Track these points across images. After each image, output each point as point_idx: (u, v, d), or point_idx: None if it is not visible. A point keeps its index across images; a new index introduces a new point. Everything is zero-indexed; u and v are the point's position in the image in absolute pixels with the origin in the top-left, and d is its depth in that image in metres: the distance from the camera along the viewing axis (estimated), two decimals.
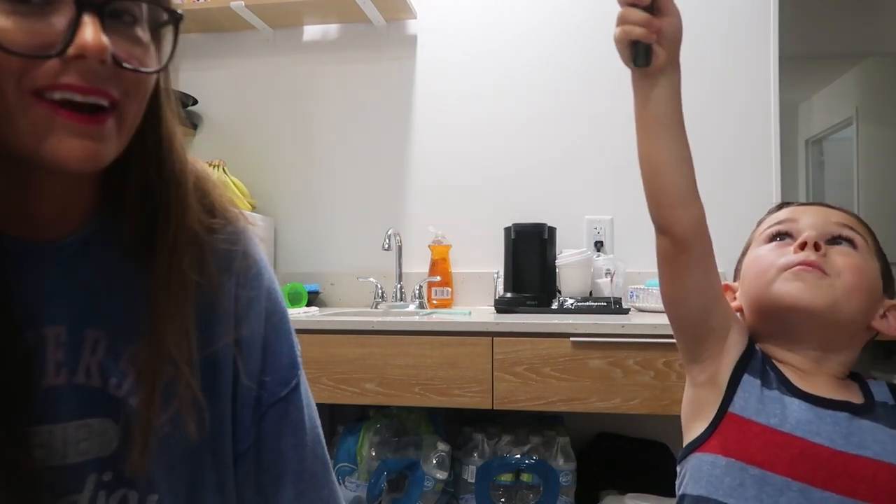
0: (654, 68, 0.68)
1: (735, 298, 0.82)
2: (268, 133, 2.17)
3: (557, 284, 1.85)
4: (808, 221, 0.76)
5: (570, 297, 1.73)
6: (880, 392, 0.73)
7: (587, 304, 1.67)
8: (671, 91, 0.70)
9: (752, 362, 0.73)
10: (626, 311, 1.60)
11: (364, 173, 2.12)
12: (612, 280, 1.79)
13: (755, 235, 0.83)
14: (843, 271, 0.72)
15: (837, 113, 4.41)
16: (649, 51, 0.68)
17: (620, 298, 1.68)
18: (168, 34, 0.53)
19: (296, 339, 0.67)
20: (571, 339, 1.39)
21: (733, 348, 0.74)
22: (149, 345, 0.53)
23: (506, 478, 1.55)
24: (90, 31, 0.44)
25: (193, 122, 2.18)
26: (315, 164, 2.15)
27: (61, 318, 0.52)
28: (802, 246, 0.73)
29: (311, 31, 2.17)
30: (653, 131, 0.70)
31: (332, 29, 2.16)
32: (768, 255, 0.76)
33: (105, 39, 0.45)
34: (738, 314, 0.79)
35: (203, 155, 2.09)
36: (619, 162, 1.97)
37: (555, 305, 1.74)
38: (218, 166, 2.02)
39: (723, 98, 1.92)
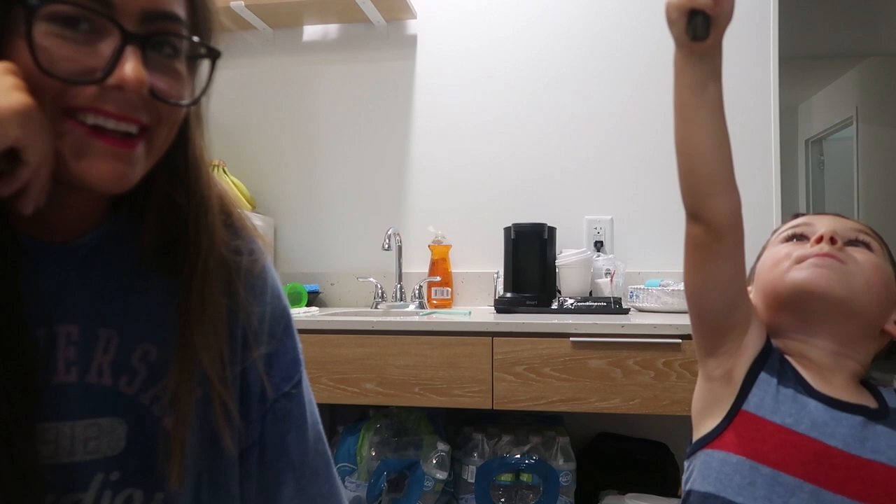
0: (707, 45, 0.66)
1: (750, 299, 0.82)
2: (268, 133, 2.17)
3: (557, 284, 1.85)
4: (824, 224, 0.76)
5: (570, 297, 1.73)
6: (893, 399, 0.73)
7: (587, 304, 1.67)
8: (717, 73, 0.68)
9: (770, 360, 0.73)
10: (626, 311, 1.60)
11: (364, 173, 2.12)
12: (612, 280, 1.79)
13: (771, 240, 0.83)
14: (860, 263, 0.72)
15: (837, 113, 4.41)
16: (709, 23, 0.65)
17: (620, 298, 1.68)
18: (198, 64, 0.55)
19: (297, 336, 0.68)
20: (571, 339, 1.39)
21: (751, 345, 0.73)
22: (184, 367, 0.55)
23: (506, 478, 1.55)
24: (131, 66, 0.47)
25: None
26: (315, 164, 2.15)
27: (74, 317, 0.53)
28: (819, 240, 0.73)
29: (311, 31, 2.17)
30: (695, 115, 0.69)
31: (332, 29, 2.16)
32: (784, 249, 0.77)
33: (145, 74, 0.47)
34: None
35: None
36: (620, 162, 1.97)
37: (555, 305, 1.74)
38: (218, 166, 2.02)
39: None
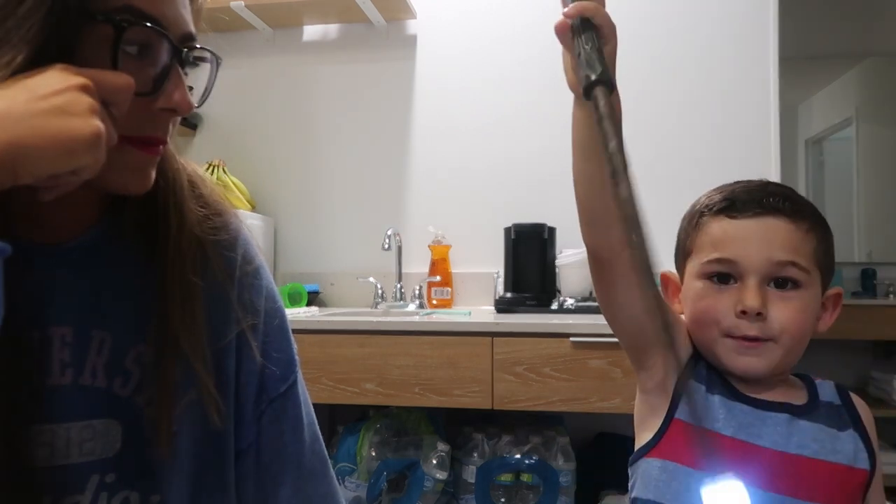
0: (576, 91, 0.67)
1: (678, 297, 0.79)
2: (268, 133, 2.17)
3: (557, 284, 1.85)
4: (751, 263, 0.71)
5: (570, 297, 1.73)
6: (826, 392, 0.74)
7: (587, 304, 1.67)
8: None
9: (697, 368, 0.74)
10: None
11: (364, 173, 2.12)
12: None
13: (696, 245, 0.76)
14: (783, 332, 0.70)
15: (837, 113, 4.40)
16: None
17: None
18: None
19: (292, 336, 0.68)
20: (571, 339, 1.39)
21: (677, 356, 0.74)
22: (162, 348, 0.54)
23: (506, 478, 1.55)
24: (181, 91, 0.51)
25: (193, 122, 2.18)
26: (315, 164, 2.15)
27: (67, 318, 0.52)
28: (744, 312, 0.70)
29: (311, 31, 2.17)
30: (585, 152, 0.70)
31: (332, 29, 2.16)
32: (710, 306, 0.73)
33: (190, 97, 0.51)
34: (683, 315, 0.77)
35: (203, 155, 2.09)
36: None
37: (555, 305, 1.74)
38: (218, 166, 2.02)
39: (723, 98, 1.92)
